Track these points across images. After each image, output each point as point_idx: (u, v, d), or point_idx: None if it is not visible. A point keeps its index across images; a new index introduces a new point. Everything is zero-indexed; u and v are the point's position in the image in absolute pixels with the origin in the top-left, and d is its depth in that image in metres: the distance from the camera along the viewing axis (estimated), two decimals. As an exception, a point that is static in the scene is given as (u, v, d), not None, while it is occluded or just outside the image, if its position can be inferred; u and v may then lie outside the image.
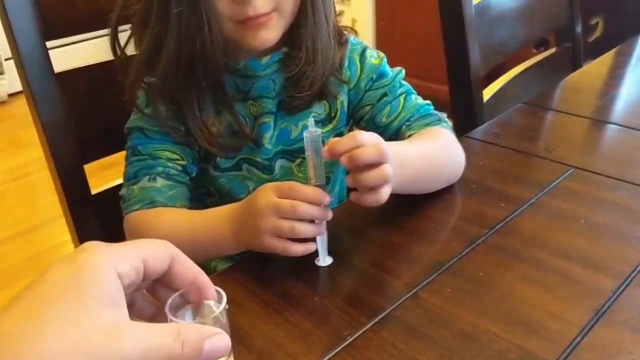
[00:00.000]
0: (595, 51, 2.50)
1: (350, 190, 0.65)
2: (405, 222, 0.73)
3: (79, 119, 0.85)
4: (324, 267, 0.66)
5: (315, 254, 0.65)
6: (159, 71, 0.72)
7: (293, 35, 0.75)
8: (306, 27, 0.74)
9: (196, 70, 0.72)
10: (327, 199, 0.61)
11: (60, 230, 2.18)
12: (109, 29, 0.77)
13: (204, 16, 0.67)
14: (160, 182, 0.74)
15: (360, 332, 0.56)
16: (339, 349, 0.55)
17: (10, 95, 3.26)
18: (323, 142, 0.61)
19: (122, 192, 0.76)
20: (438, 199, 0.76)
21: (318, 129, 0.61)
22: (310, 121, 0.62)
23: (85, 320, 0.36)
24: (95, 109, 0.87)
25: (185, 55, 0.70)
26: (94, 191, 0.88)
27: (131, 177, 0.76)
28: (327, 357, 0.54)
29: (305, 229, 0.62)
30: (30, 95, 0.81)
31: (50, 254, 2.09)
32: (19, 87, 3.15)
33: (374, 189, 0.61)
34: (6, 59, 3.15)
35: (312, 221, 0.63)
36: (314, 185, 0.62)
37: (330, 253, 0.67)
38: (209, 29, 0.68)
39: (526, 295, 0.60)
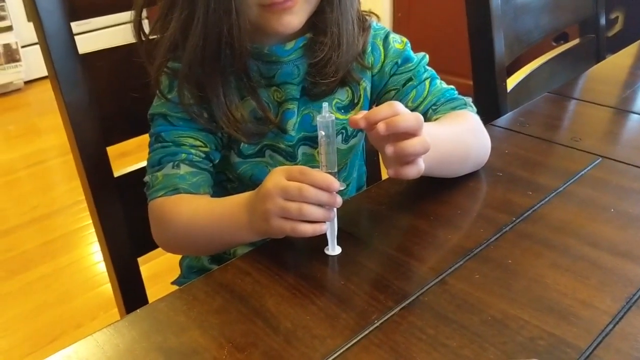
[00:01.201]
0: (614, 45, 2.47)
1: (368, 177, 0.64)
2: (430, 209, 0.72)
3: (102, 101, 0.85)
4: (343, 254, 0.65)
5: (326, 243, 0.65)
6: (185, 57, 0.71)
7: (317, 21, 0.74)
8: (332, 13, 0.73)
9: (222, 56, 0.71)
10: (335, 185, 0.60)
11: (75, 217, 2.19)
12: (133, 12, 0.76)
13: (231, 0, 0.67)
14: (183, 169, 0.74)
15: (388, 316, 0.56)
16: (366, 332, 0.54)
17: (27, 82, 3.28)
18: (345, 129, 0.60)
19: (146, 178, 0.76)
20: (463, 186, 0.76)
21: (331, 115, 0.60)
22: (324, 106, 0.61)
23: None
24: (119, 92, 0.86)
25: (212, 40, 0.69)
26: (116, 173, 0.87)
27: (155, 164, 0.75)
28: (354, 340, 0.53)
29: (313, 212, 0.60)
30: (55, 77, 0.80)
31: (65, 240, 2.11)
32: (35, 74, 3.15)
33: (411, 161, 0.60)
34: (23, 46, 3.16)
35: (321, 207, 0.61)
36: (326, 172, 0.61)
37: (351, 239, 0.66)
38: (237, 13, 0.67)
39: (556, 283, 0.59)
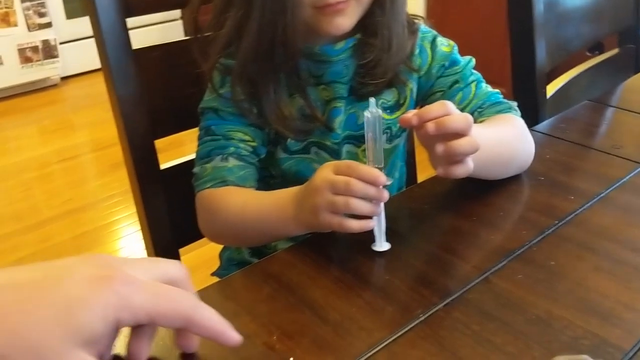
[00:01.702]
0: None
1: (409, 177, 0.64)
2: (472, 209, 0.73)
3: (152, 95, 0.87)
4: (386, 250, 0.65)
5: (373, 239, 0.66)
6: (239, 54, 0.74)
7: (367, 23, 0.76)
8: (383, 16, 0.75)
9: (275, 55, 0.73)
10: (382, 179, 0.61)
11: (106, 212, 2.23)
12: (187, 8, 0.79)
13: (287, 1, 0.69)
14: (232, 162, 0.76)
15: (433, 311, 0.57)
16: (411, 325, 0.55)
17: (63, 78, 3.35)
18: (390, 129, 0.60)
19: (195, 169, 0.79)
20: (505, 189, 0.77)
21: (379, 110, 0.61)
22: (371, 101, 0.61)
23: (58, 345, 0.39)
24: (169, 86, 0.89)
25: (266, 39, 0.72)
26: (162, 165, 0.90)
27: (204, 156, 0.78)
28: (400, 333, 0.55)
29: (361, 206, 0.61)
30: (108, 71, 0.83)
31: (96, 233, 2.15)
32: (71, 71, 3.21)
33: (460, 160, 0.61)
34: (61, 43, 3.23)
35: (369, 202, 0.62)
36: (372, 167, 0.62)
37: (394, 236, 0.66)
38: (291, 14, 0.70)
39: (598, 285, 0.60)
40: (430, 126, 0.59)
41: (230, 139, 0.78)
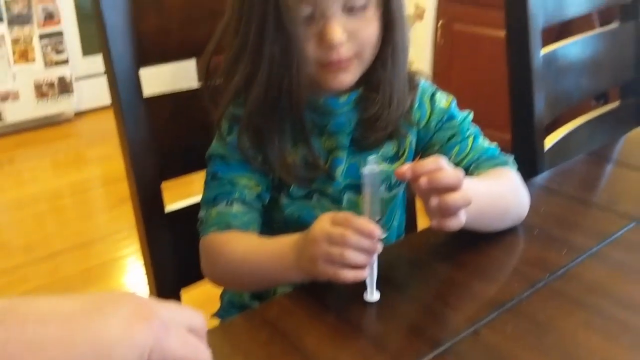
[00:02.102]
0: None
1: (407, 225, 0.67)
2: (467, 260, 0.75)
3: (161, 139, 0.91)
4: (380, 299, 0.67)
5: (365, 288, 0.67)
6: (247, 106, 0.77)
7: (370, 78, 0.80)
8: (385, 72, 0.78)
9: (280, 107, 0.77)
10: (377, 232, 0.63)
11: (116, 245, 2.26)
12: (200, 58, 0.82)
13: (294, 57, 0.73)
14: (236, 207, 0.79)
15: (423, 361, 0.59)
16: (402, 375, 0.57)
17: (77, 113, 3.42)
18: (390, 178, 0.64)
19: (201, 214, 0.81)
20: (500, 241, 0.78)
21: (376, 166, 0.64)
22: (370, 159, 0.65)
23: None
24: (178, 132, 0.92)
25: (273, 91, 0.75)
26: (168, 207, 0.93)
27: (210, 201, 0.81)
28: (390, 382, 0.56)
29: (355, 257, 0.63)
30: (120, 115, 0.87)
31: (105, 267, 2.17)
32: (85, 106, 3.27)
33: (453, 214, 0.64)
34: (77, 79, 3.30)
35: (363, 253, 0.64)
36: (369, 219, 0.65)
37: (389, 285, 0.68)
38: (297, 69, 0.73)
39: (588, 341, 0.61)
40: (423, 181, 0.62)
41: (236, 184, 0.80)
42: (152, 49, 0.88)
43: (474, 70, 2.59)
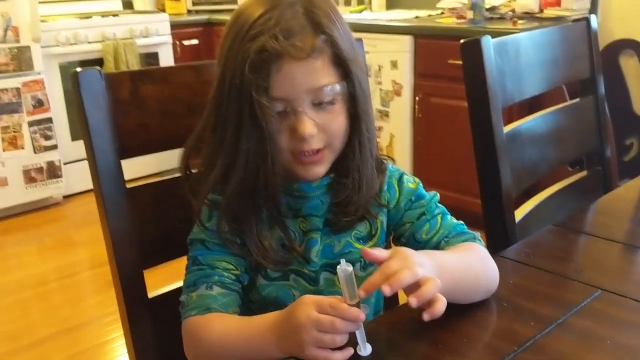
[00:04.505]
0: (632, 170, 2.55)
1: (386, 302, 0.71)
2: (439, 337, 0.77)
3: (143, 228, 0.94)
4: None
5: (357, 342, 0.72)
6: (225, 195, 0.82)
7: (340, 165, 0.86)
8: (353, 161, 0.84)
9: (257, 195, 0.82)
10: (362, 316, 0.69)
11: (102, 330, 2.24)
12: (181, 154, 0.88)
13: (268, 149, 0.78)
14: (216, 290, 0.83)
15: None
16: None
17: (65, 197, 3.45)
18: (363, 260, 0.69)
19: (182, 298, 0.85)
20: (472, 315, 0.81)
21: (348, 267, 0.70)
22: (342, 261, 0.71)
23: None
24: (159, 219, 0.96)
25: (250, 181, 0.81)
26: (151, 293, 0.95)
27: (190, 285, 0.84)
28: None
29: (344, 339, 0.70)
30: (102, 205, 0.90)
31: (92, 353, 2.15)
32: (74, 189, 3.30)
33: (434, 300, 0.71)
34: (65, 163, 3.35)
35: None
36: (349, 303, 0.70)
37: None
38: (271, 161, 0.79)
39: (554, 412, 0.63)
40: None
41: (215, 267, 0.84)
42: (133, 143, 0.93)
43: (453, 140, 2.67)
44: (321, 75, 0.78)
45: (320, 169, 0.83)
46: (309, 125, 0.78)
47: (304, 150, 0.80)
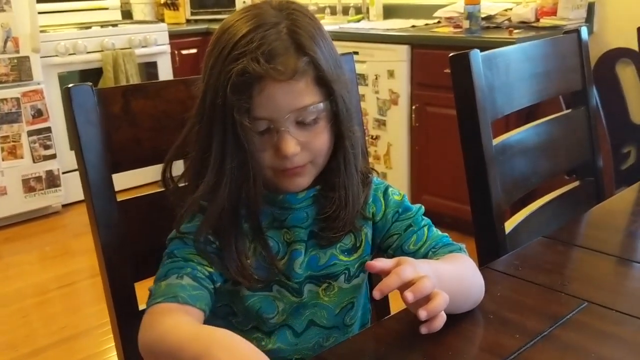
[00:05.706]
0: (629, 179, 2.56)
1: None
2: (425, 349, 0.78)
3: (134, 241, 0.95)
4: None
5: None
6: (208, 213, 0.82)
7: (326, 177, 0.87)
8: (339, 177, 0.85)
9: (238, 211, 0.83)
10: None
11: (101, 338, 2.25)
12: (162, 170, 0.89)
13: (250, 169, 0.79)
14: (186, 280, 0.79)
15: None
16: None
17: (64, 205, 3.46)
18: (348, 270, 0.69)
19: (150, 287, 0.82)
20: (458, 327, 0.82)
21: None
22: None
23: None
24: (151, 232, 0.97)
25: (233, 201, 0.82)
26: (142, 306, 0.96)
27: (161, 276, 0.81)
28: None
29: None
30: (94, 220, 0.92)
31: (90, 362, 2.16)
32: (73, 198, 3.32)
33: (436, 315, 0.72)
34: (64, 172, 3.37)
35: None
36: None
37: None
38: (254, 180, 0.80)
39: None
40: (409, 295, 0.69)
41: (189, 260, 0.82)
42: (125, 157, 0.94)
43: (450, 149, 2.68)
44: (304, 96, 0.79)
45: (303, 181, 0.84)
46: (291, 144, 0.79)
47: (285, 168, 0.81)
